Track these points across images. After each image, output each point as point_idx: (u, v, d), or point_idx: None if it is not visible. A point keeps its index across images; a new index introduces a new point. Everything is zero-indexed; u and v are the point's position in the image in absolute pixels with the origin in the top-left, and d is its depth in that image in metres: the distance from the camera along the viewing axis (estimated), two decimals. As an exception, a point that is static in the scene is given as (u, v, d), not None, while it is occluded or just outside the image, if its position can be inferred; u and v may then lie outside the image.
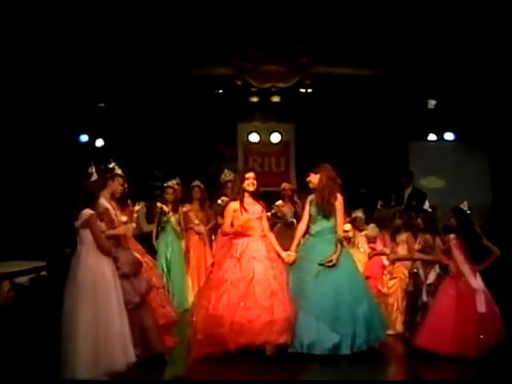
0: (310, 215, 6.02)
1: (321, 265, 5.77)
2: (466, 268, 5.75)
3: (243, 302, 5.50)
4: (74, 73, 9.42)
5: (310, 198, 6.06)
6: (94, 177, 5.22)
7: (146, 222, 7.96)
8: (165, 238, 8.01)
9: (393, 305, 6.69)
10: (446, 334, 5.57)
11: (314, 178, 6.01)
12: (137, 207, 6.54)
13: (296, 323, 5.58)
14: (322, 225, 5.98)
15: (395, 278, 6.74)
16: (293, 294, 5.67)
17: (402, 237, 6.80)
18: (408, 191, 8.95)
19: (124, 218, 5.60)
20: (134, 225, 6.56)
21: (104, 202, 5.29)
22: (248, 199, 5.93)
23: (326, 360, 5.53)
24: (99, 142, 10.51)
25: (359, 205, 8.06)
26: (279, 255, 5.85)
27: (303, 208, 6.18)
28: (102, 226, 5.09)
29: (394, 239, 6.91)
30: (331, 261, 5.77)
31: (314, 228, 6.01)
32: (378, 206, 7.98)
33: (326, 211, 5.93)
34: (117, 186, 5.71)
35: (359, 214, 7.80)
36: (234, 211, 5.87)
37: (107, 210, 5.27)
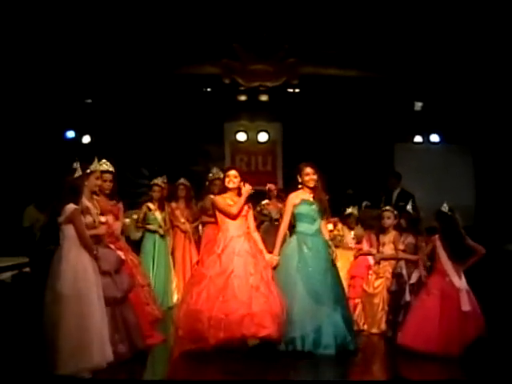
0: (301, 214, 6.01)
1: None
2: (449, 268, 5.81)
3: (221, 297, 5.48)
4: (61, 69, 9.35)
5: (305, 197, 6.03)
6: (79, 172, 5.18)
7: (134, 231, 7.93)
8: (151, 236, 7.97)
9: (378, 304, 6.70)
10: (431, 333, 5.60)
11: (315, 176, 6.02)
12: (127, 220, 6.51)
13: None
14: (318, 223, 6.02)
15: (381, 277, 6.76)
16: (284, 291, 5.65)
17: (390, 237, 6.81)
18: (396, 192, 8.99)
19: (103, 219, 5.54)
20: (127, 220, 6.54)
21: (84, 200, 5.25)
22: (232, 197, 5.93)
23: (310, 358, 5.52)
24: (86, 139, 10.43)
25: (346, 206, 8.07)
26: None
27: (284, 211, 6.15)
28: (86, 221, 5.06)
29: (379, 239, 6.93)
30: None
31: (313, 227, 6.00)
32: (363, 207, 7.98)
33: (324, 210, 6.01)
34: (94, 183, 5.60)
35: (354, 211, 7.81)
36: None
37: (87, 208, 5.23)
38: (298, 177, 6.07)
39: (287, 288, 5.69)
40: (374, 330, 6.63)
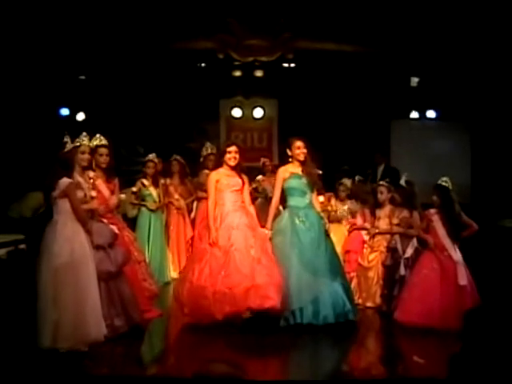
0: (292, 188, 6.05)
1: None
2: (447, 242, 5.91)
3: (224, 271, 5.53)
4: (54, 44, 9.26)
5: (294, 170, 6.07)
6: (70, 146, 5.19)
7: (130, 208, 7.96)
8: (146, 212, 8.00)
9: (373, 278, 6.77)
10: (432, 308, 5.70)
11: (305, 150, 6.06)
12: (122, 195, 6.53)
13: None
14: (309, 197, 6.08)
15: (376, 251, 6.81)
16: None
17: (385, 211, 6.86)
18: (381, 168, 9.05)
19: (94, 193, 5.56)
20: (122, 196, 6.55)
21: (75, 174, 5.25)
22: (228, 172, 5.98)
23: (309, 333, 5.59)
24: (80, 116, 10.40)
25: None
26: None
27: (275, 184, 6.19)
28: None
29: (373, 214, 6.97)
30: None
31: (305, 200, 6.05)
32: (356, 181, 8.01)
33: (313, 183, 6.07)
34: (80, 157, 5.53)
35: (347, 182, 7.83)
36: (217, 181, 5.91)
37: (79, 183, 5.24)
38: (288, 150, 6.11)
39: (282, 262, 5.74)
40: (369, 304, 6.71)
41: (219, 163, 6.05)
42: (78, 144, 5.53)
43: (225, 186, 5.89)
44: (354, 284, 6.90)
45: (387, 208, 6.86)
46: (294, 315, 5.68)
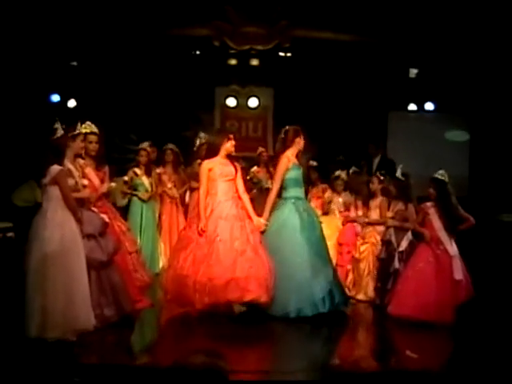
0: (293, 179, 6.10)
1: None
2: (443, 235, 5.94)
3: (206, 261, 5.58)
4: (45, 29, 9.21)
5: (295, 161, 6.11)
6: (60, 132, 5.19)
7: (120, 197, 7.96)
8: (138, 201, 8.01)
9: (364, 270, 6.82)
10: (428, 301, 5.74)
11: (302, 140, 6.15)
12: (113, 184, 6.53)
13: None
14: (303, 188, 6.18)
15: (367, 242, 6.86)
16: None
17: (376, 202, 6.90)
18: (376, 160, 9.07)
19: (85, 181, 5.57)
20: (113, 184, 6.56)
21: (67, 162, 5.25)
22: (222, 160, 5.99)
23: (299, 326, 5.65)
24: (71, 103, 10.35)
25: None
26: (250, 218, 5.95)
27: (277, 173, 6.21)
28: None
29: (366, 205, 7.02)
30: None
31: (302, 191, 6.18)
32: (351, 173, 8.04)
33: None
34: (78, 146, 5.65)
35: (342, 174, 7.87)
36: (209, 170, 5.92)
37: (70, 171, 5.24)
38: (293, 137, 6.13)
39: (290, 255, 5.82)
40: (360, 297, 6.74)
41: (215, 152, 6.02)
42: (77, 132, 5.54)
43: (218, 175, 5.90)
44: (350, 277, 6.96)
45: (378, 199, 6.91)
46: (316, 306, 5.74)
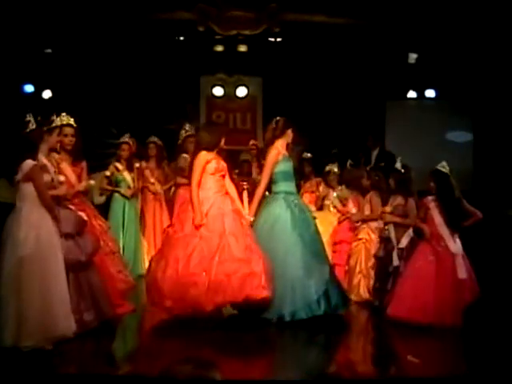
0: (283, 172, 6.10)
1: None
2: (445, 231, 5.91)
3: (218, 257, 5.54)
4: (18, 14, 9.14)
5: (285, 152, 6.11)
6: (33, 125, 5.15)
7: (98, 195, 7.94)
8: (120, 199, 7.99)
9: (354, 267, 6.83)
10: (427, 302, 5.73)
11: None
12: (92, 181, 6.51)
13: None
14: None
15: (360, 239, 6.87)
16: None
17: (367, 197, 6.92)
18: (375, 152, 9.10)
19: (62, 178, 5.54)
20: (92, 182, 6.54)
21: (41, 157, 5.20)
22: (215, 155, 6.02)
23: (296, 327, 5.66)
24: (46, 94, 10.33)
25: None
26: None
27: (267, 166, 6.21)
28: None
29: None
30: None
31: (293, 185, 6.18)
32: (348, 166, 8.05)
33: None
34: (54, 140, 5.60)
35: (334, 168, 7.87)
36: (207, 162, 5.90)
37: (45, 166, 5.20)
38: (284, 128, 6.15)
39: (284, 252, 5.83)
40: (352, 297, 6.67)
41: (209, 148, 5.98)
42: (53, 125, 5.52)
43: (214, 169, 5.91)
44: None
45: (369, 194, 6.94)
46: (310, 308, 5.74)
